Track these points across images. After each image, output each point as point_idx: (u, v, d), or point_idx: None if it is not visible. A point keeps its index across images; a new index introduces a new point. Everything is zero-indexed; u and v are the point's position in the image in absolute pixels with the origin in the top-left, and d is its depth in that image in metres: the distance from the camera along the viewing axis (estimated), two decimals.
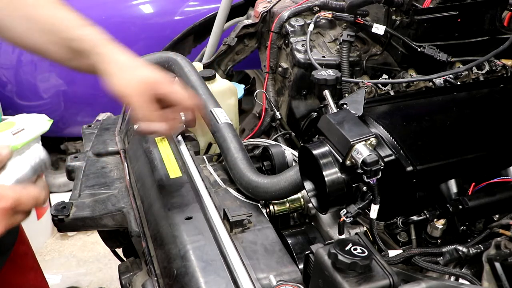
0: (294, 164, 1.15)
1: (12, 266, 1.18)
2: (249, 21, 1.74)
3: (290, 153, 1.21)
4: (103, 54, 0.95)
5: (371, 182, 0.83)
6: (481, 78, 1.37)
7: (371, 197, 0.84)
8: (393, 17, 1.42)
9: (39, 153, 0.90)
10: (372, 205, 0.85)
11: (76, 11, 0.99)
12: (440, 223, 0.92)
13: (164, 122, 0.95)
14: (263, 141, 1.36)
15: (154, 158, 1.20)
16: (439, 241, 0.94)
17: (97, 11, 2.85)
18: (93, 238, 2.79)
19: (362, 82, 1.34)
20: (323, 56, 1.50)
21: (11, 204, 0.78)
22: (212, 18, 1.96)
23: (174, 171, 1.15)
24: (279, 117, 1.56)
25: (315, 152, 0.88)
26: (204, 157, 1.28)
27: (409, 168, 0.89)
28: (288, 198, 1.11)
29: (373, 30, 1.42)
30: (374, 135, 0.84)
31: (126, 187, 1.25)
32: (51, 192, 3.00)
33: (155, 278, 0.97)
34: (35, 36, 0.95)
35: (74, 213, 1.19)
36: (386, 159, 0.87)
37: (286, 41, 1.58)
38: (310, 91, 1.55)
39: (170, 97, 0.96)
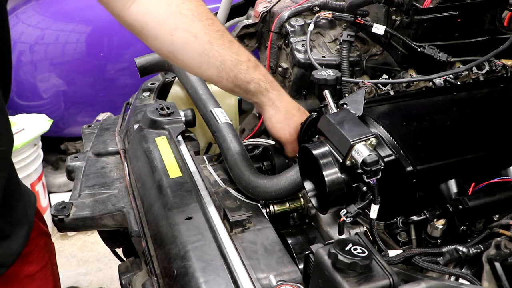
0: (294, 164, 1.15)
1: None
2: (249, 21, 1.74)
3: None
4: (271, 99, 1.12)
5: (371, 182, 0.83)
6: (481, 78, 1.36)
7: (371, 197, 0.84)
8: (393, 17, 1.42)
9: None
10: (372, 205, 0.85)
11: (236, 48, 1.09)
12: (440, 223, 0.92)
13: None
14: (263, 141, 1.36)
15: (154, 158, 1.20)
16: (439, 241, 0.94)
17: (97, 11, 2.85)
18: (93, 238, 2.80)
19: (362, 82, 1.33)
20: (323, 56, 1.50)
21: None
22: None
23: (174, 171, 1.15)
24: None
25: (315, 152, 0.88)
26: (204, 157, 1.28)
27: (409, 168, 0.89)
28: (288, 198, 1.11)
29: (373, 30, 1.42)
30: (374, 135, 0.84)
31: (126, 187, 1.25)
32: (51, 192, 3.00)
33: (155, 278, 0.97)
34: (210, 71, 1.06)
35: (74, 213, 1.19)
36: (386, 159, 0.87)
37: (286, 41, 1.58)
38: (310, 91, 1.55)
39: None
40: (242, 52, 1.08)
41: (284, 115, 1.13)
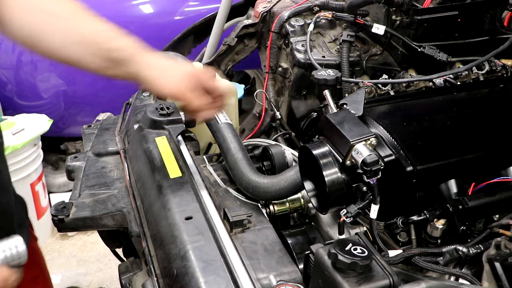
0: (294, 164, 1.15)
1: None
2: (249, 21, 1.74)
3: (290, 153, 1.21)
4: (143, 61, 1.01)
5: (371, 182, 0.83)
6: (481, 78, 1.37)
7: (371, 197, 0.84)
8: (393, 17, 1.42)
9: (17, 245, 0.84)
10: (372, 205, 0.85)
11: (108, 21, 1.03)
12: (440, 223, 0.92)
13: (213, 108, 1.08)
14: (263, 141, 1.36)
15: (154, 158, 1.20)
16: (439, 241, 0.94)
17: (97, 11, 2.85)
18: (93, 238, 2.79)
19: (362, 82, 1.34)
20: (323, 56, 1.50)
21: None
22: (212, 18, 1.96)
23: (174, 171, 1.15)
24: (279, 117, 1.56)
25: (315, 152, 0.88)
26: (204, 157, 1.28)
27: (409, 168, 0.89)
28: (288, 198, 1.11)
29: (373, 30, 1.42)
30: (374, 135, 0.84)
31: (126, 187, 1.25)
32: (51, 192, 3.00)
33: (155, 278, 0.97)
34: (73, 49, 0.99)
35: (74, 213, 1.19)
36: (386, 159, 0.87)
37: (286, 41, 1.58)
38: (310, 91, 1.55)
39: (209, 84, 1.05)
40: (102, 23, 1.02)
41: (162, 70, 1.03)
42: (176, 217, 1.01)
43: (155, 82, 1.02)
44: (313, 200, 0.94)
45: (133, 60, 1.01)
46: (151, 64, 1.02)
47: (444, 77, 1.32)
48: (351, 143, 0.82)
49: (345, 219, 0.86)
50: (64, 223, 1.19)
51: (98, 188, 1.27)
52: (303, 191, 1.06)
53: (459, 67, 1.36)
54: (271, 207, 1.11)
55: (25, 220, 1.16)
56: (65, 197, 1.43)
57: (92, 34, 1.00)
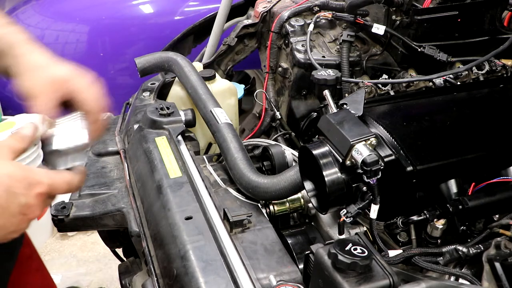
0: (294, 164, 1.15)
1: (19, 269, 1.18)
2: (249, 21, 1.74)
3: (290, 153, 1.21)
4: (18, 55, 0.92)
5: (371, 182, 0.83)
6: (481, 78, 1.37)
7: (371, 197, 0.84)
8: (393, 17, 1.42)
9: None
10: (372, 205, 0.85)
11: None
12: (440, 223, 0.92)
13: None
14: (263, 141, 1.36)
15: (154, 158, 1.20)
16: (439, 241, 0.94)
17: (97, 11, 2.85)
18: (93, 238, 2.79)
19: (362, 82, 1.34)
20: (323, 56, 1.50)
21: (46, 189, 0.79)
22: (212, 18, 1.96)
23: (174, 171, 1.15)
24: (279, 117, 1.56)
25: (315, 152, 0.88)
26: (204, 157, 1.28)
27: (409, 168, 0.89)
28: (288, 198, 1.11)
29: (373, 30, 1.42)
30: (374, 135, 0.84)
31: (126, 187, 1.25)
32: None
33: (155, 278, 0.97)
34: None
35: (74, 213, 1.19)
36: (386, 159, 0.87)
37: (286, 41, 1.58)
38: (310, 91, 1.55)
39: (76, 96, 0.93)
40: None
41: (30, 70, 0.92)
42: (176, 217, 1.01)
43: (18, 79, 0.93)
44: (313, 200, 0.93)
45: (9, 53, 0.92)
46: (23, 60, 0.92)
47: (444, 77, 1.32)
48: (351, 143, 0.82)
49: (345, 219, 0.86)
50: (64, 223, 1.19)
51: (98, 188, 1.27)
52: (303, 191, 1.06)
53: (459, 67, 1.36)
54: (271, 207, 1.11)
55: None
56: (65, 197, 1.43)
57: None
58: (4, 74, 0.96)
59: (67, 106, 0.94)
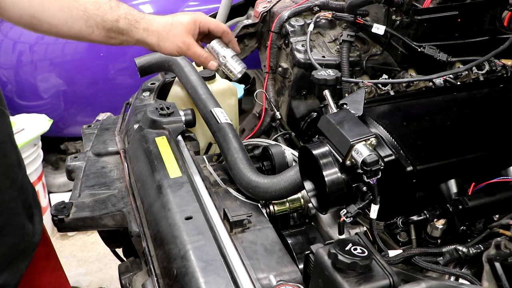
0: (294, 164, 1.15)
1: (34, 269, 1.19)
2: (249, 21, 1.74)
3: (290, 153, 1.21)
4: (145, 28, 1.08)
5: (371, 182, 0.83)
6: (481, 78, 1.37)
7: (371, 197, 0.84)
8: (393, 17, 1.42)
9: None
10: (372, 205, 0.85)
11: None
12: (440, 223, 0.92)
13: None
14: (263, 141, 1.36)
15: (154, 158, 1.20)
16: (439, 241, 0.94)
17: None
18: (93, 238, 2.79)
19: (362, 82, 1.33)
20: (323, 56, 1.50)
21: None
22: None
23: (174, 171, 1.15)
24: (279, 117, 1.56)
25: (315, 152, 0.88)
26: (204, 157, 1.28)
27: (409, 168, 0.89)
28: (288, 198, 1.11)
29: (373, 30, 1.42)
30: (374, 135, 0.84)
31: (126, 187, 1.25)
32: (51, 192, 3.00)
33: (155, 278, 0.97)
34: (77, 24, 1.03)
35: (74, 213, 1.19)
36: (386, 159, 0.87)
37: (286, 41, 1.58)
38: (310, 91, 1.55)
39: (209, 26, 1.15)
40: None
41: (165, 33, 1.10)
42: (176, 217, 1.01)
43: (160, 46, 1.11)
44: (313, 200, 0.94)
45: (137, 27, 1.07)
46: (153, 30, 1.08)
47: (444, 77, 1.32)
48: (351, 143, 0.82)
49: (345, 219, 0.86)
50: (64, 223, 1.19)
51: (98, 188, 1.27)
52: (303, 191, 1.06)
53: (459, 67, 1.36)
54: (271, 207, 1.11)
55: (38, 200, 1.20)
56: (65, 197, 1.43)
57: (95, 7, 1.03)
58: (136, 45, 1.13)
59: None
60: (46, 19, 1.01)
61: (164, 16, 1.13)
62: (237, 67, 1.18)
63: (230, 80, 1.60)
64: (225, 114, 1.27)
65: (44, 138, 2.77)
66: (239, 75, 1.19)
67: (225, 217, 0.99)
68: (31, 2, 0.99)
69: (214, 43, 1.18)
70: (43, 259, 1.26)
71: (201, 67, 1.62)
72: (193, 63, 1.50)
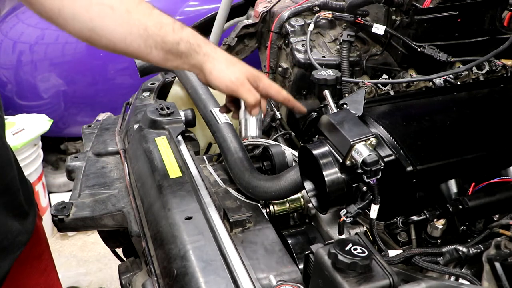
0: (294, 164, 1.15)
1: (23, 268, 1.18)
2: (249, 21, 1.74)
3: (290, 153, 1.21)
4: (207, 53, 1.04)
5: (371, 182, 0.83)
6: (481, 78, 1.37)
7: (371, 197, 0.84)
8: (393, 17, 1.42)
9: None
10: (372, 205, 0.85)
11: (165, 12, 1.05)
12: (440, 223, 0.92)
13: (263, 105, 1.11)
14: (263, 141, 1.36)
15: (154, 158, 1.20)
16: (439, 241, 0.94)
17: None
18: (93, 238, 2.79)
19: (362, 82, 1.33)
20: (323, 56, 1.50)
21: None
22: (212, 18, 1.95)
23: (174, 171, 1.15)
24: (279, 117, 1.56)
25: (315, 152, 0.88)
26: (204, 157, 1.28)
27: (409, 168, 0.89)
28: (288, 198, 1.11)
29: (373, 30, 1.42)
30: (374, 135, 0.84)
31: (126, 187, 1.25)
32: (51, 192, 3.00)
33: (155, 278, 0.97)
34: (135, 42, 0.99)
35: (74, 213, 1.19)
36: (386, 159, 0.87)
37: (286, 41, 1.58)
38: (310, 91, 1.55)
39: (269, 89, 1.10)
40: (165, 16, 1.03)
41: (225, 63, 1.05)
42: (176, 217, 1.01)
43: (213, 73, 1.05)
44: (313, 200, 0.94)
45: (198, 51, 1.03)
46: (213, 56, 1.05)
47: (444, 77, 1.32)
48: (351, 143, 0.82)
49: (345, 219, 0.86)
50: (64, 223, 1.19)
51: (98, 188, 1.27)
52: (303, 191, 1.06)
53: (459, 67, 1.36)
54: (271, 207, 1.11)
55: (32, 197, 1.19)
56: (65, 197, 1.43)
57: (156, 28, 1.00)
58: (189, 70, 1.10)
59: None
60: (105, 34, 0.99)
61: (229, 54, 1.10)
62: (252, 130, 1.18)
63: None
64: (225, 114, 1.27)
65: (44, 138, 2.77)
66: (250, 137, 1.19)
67: (225, 217, 0.99)
68: (91, 16, 0.97)
69: None
70: (34, 259, 1.25)
71: None
72: None
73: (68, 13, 0.96)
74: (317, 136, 0.98)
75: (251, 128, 1.17)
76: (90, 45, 1.02)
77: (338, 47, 1.52)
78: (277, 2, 1.71)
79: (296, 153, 1.19)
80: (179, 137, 1.30)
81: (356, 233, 0.78)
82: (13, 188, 1.08)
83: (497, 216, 0.95)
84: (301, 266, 0.90)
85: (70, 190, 1.32)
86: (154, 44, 1.00)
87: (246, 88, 1.05)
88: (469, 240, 0.89)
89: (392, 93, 1.35)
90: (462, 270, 0.84)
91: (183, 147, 1.27)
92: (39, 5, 0.96)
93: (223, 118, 1.24)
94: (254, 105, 1.06)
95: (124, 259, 1.45)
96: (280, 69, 1.61)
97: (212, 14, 2.00)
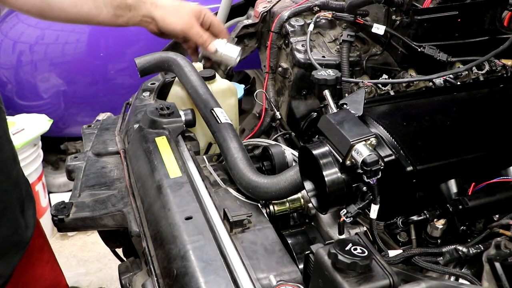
0: (294, 164, 1.15)
1: (28, 260, 1.20)
2: (249, 21, 1.74)
3: (290, 153, 1.21)
4: (153, 3, 1.13)
5: (371, 182, 0.83)
6: (481, 78, 1.37)
7: (371, 197, 0.84)
8: (393, 17, 1.42)
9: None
10: (372, 205, 0.85)
11: None
12: (440, 223, 0.92)
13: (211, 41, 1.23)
14: (263, 141, 1.36)
15: (154, 158, 1.20)
16: (439, 241, 0.94)
17: None
18: (93, 238, 2.80)
19: (362, 82, 1.34)
20: (323, 56, 1.50)
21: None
22: None
23: (174, 171, 1.15)
24: (279, 117, 1.56)
25: (315, 152, 0.88)
26: (204, 157, 1.28)
27: (409, 168, 0.89)
28: (288, 198, 1.11)
29: (373, 30, 1.42)
30: (374, 135, 0.84)
31: (126, 187, 1.25)
32: (51, 192, 3.00)
33: (155, 278, 0.97)
34: (85, 5, 1.06)
35: (74, 213, 1.19)
36: (386, 159, 0.87)
37: (286, 41, 1.58)
38: (310, 91, 1.55)
39: (212, 21, 1.23)
40: None
41: (173, 9, 1.15)
42: (176, 217, 1.01)
43: (165, 20, 1.15)
44: (313, 200, 0.94)
45: (145, 1, 1.11)
46: (160, 4, 1.13)
47: (444, 77, 1.32)
48: (351, 143, 0.82)
49: (345, 219, 0.86)
50: (64, 223, 1.19)
51: (98, 188, 1.27)
52: (303, 191, 1.06)
53: (459, 67, 1.36)
54: (271, 207, 1.11)
55: (30, 192, 1.22)
56: (65, 197, 1.43)
57: None
58: (138, 23, 1.17)
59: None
60: (56, 3, 1.04)
61: None
62: (233, 50, 1.22)
63: (230, 79, 1.60)
64: (225, 114, 1.26)
65: (44, 138, 2.77)
66: (237, 58, 1.24)
67: (225, 217, 0.99)
68: None
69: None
70: (38, 251, 1.27)
71: (201, 67, 1.62)
72: (193, 63, 1.50)
73: None
74: (317, 136, 0.98)
75: (230, 51, 1.23)
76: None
77: (338, 47, 1.52)
78: (277, 2, 1.71)
79: (296, 153, 1.19)
80: (179, 137, 1.30)
81: (356, 233, 0.78)
82: (20, 183, 1.09)
83: (497, 216, 0.95)
84: (301, 266, 0.90)
85: (70, 190, 1.32)
86: (103, 3, 1.08)
87: (195, 30, 1.18)
88: (469, 240, 0.89)
89: (392, 93, 1.35)
90: (462, 270, 0.84)
91: (183, 147, 1.27)
92: None
93: (223, 118, 1.24)
94: (205, 43, 1.21)
95: (124, 259, 1.45)
96: (280, 69, 1.61)
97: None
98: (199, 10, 1.20)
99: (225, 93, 1.52)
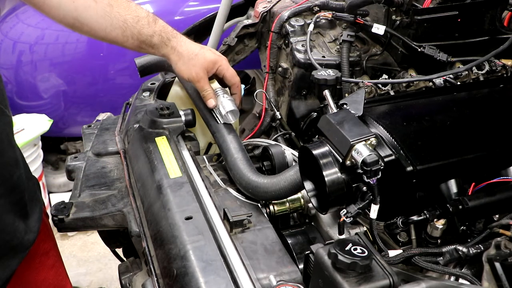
0: (294, 164, 1.15)
1: (30, 264, 1.20)
2: (249, 21, 1.74)
3: (290, 153, 1.21)
4: (173, 47, 1.20)
5: (371, 182, 0.83)
6: (481, 78, 1.36)
7: (371, 197, 0.84)
8: (393, 17, 1.42)
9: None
10: (372, 205, 0.85)
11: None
12: (440, 223, 0.92)
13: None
14: (263, 141, 1.36)
15: (154, 158, 1.20)
16: (439, 241, 0.94)
17: None
18: (93, 238, 2.79)
19: (362, 82, 1.33)
20: (323, 56, 1.50)
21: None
22: (212, 18, 1.95)
23: (174, 171, 1.15)
24: (279, 117, 1.56)
25: (315, 152, 0.88)
26: (204, 157, 1.28)
27: (409, 168, 0.89)
28: (288, 198, 1.11)
29: (373, 30, 1.42)
30: (374, 135, 0.84)
31: (126, 187, 1.25)
32: (51, 192, 3.00)
33: (155, 278, 0.97)
34: (114, 32, 1.14)
35: (74, 213, 1.19)
36: (386, 159, 0.87)
37: (286, 41, 1.58)
38: (310, 91, 1.55)
39: (224, 73, 1.27)
40: (141, 10, 1.17)
41: (187, 58, 1.21)
42: (176, 217, 1.01)
43: (177, 67, 1.22)
44: (313, 200, 0.94)
45: (167, 44, 1.19)
46: (178, 51, 1.20)
47: (444, 77, 1.31)
48: (351, 143, 0.82)
49: (345, 219, 0.86)
50: (64, 223, 1.19)
51: (98, 188, 1.27)
52: (303, 191, 1.06)
53: (459, 67, 1.36)
54: (271, 207, 1.11)
55: (38, 196, 1.22)
56: (65, 197, 1.43)
57: (134, 21, 1.14)
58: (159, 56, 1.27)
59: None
60: (88, 23, 1.12)
61: (194, 44, 1.24)
62: (231, 114, 1.24)
63: None
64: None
65: (44, 138, 2.77)
66: (232, 121, 1.24)
67: (225, 217, 0.99)
68: (76, 6, 1.09)
69: (219, 89, 1.29)
70: (42, 256, 1.27)
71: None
72: None
73: (54, 2, 1.08)
74: (317, 136, 0.98)
75: (226, 105, 1.25)
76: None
77: (338, 47, 1.52)
78: (277, 2, 1.71)
79: (296, 153, 1.19)
80: (179, 137, 1.30)
81: (356, 233, 0.78)
82: (19, 188, 1.09)
83: (497, 216, 0.95)
84: (301, 266, 0.90)
85: (70, 190, 1.32)
86: (131, 35, 1.15)
87: (200, 84, 1.24)
88: (469, 240, 0.89)
89: (392, 93, 1.35)
90: (462, 270, 0.84)
91: (183, 147, 1.27)
92: None
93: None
94: (205, 97, 1.25)
95: (124, 259, 1.45)
96: (280, 69, 1.61)
97: (212, 14, 1.99)
98: (214, 62, 1.24)
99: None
